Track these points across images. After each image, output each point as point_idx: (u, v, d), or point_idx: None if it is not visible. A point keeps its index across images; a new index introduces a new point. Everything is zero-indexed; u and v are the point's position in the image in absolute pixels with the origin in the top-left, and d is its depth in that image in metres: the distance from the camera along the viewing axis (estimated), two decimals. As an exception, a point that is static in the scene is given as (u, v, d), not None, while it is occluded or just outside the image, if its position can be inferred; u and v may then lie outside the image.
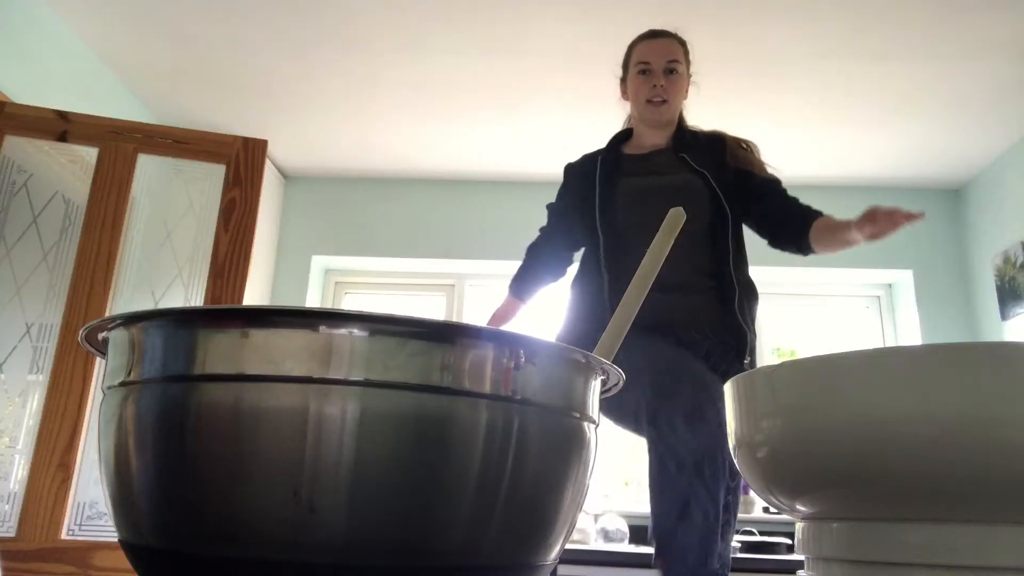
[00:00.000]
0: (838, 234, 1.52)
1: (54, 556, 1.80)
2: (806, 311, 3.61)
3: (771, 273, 3.46)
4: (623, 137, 1.82)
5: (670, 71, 1.69)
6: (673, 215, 0.65)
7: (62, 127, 2.06)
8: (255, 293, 3.38)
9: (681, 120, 1.77)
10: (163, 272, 2.12)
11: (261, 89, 2.99)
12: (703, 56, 2.68)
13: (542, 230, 1.91)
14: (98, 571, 1.81)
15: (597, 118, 3.09)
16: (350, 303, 3.81)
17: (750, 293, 1.63)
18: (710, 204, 1.60)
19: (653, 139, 1.74)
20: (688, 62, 1.76)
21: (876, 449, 0.42)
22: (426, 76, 2.86)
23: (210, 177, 2.13)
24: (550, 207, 1.88)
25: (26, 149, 2.15)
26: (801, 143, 3.22)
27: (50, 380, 1.90)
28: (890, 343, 3.56)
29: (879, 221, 1.42)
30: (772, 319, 3.54)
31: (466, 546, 0.39)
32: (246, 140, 2.17)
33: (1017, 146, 3.14)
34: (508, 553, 0.42)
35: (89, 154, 2.09)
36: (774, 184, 1.69)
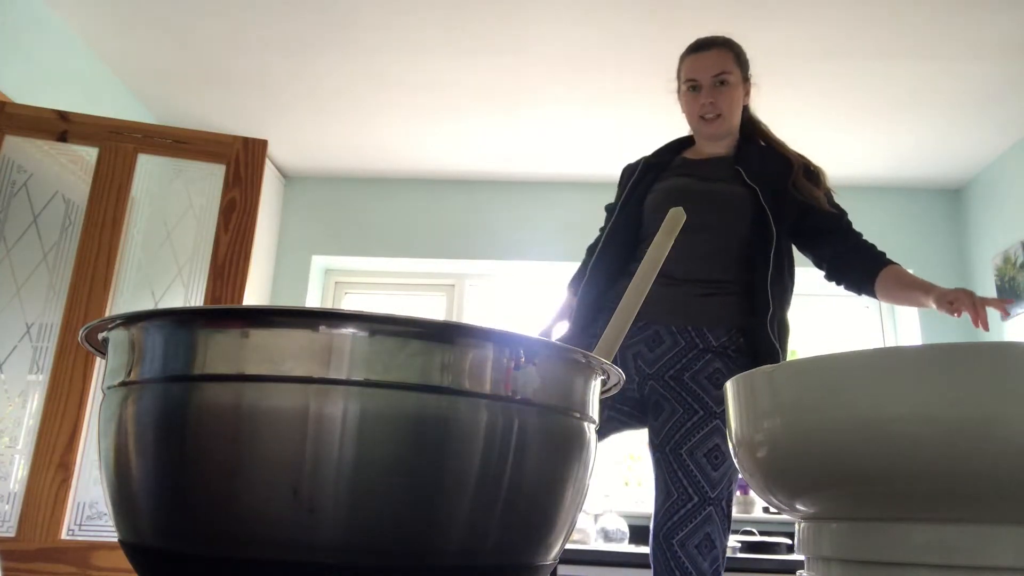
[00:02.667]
0: (912, 295, 1.51)
1: (54, 556, 1.79)
2: (806, 311, 3.61)
3: (771, 273, 3.46)
4: (686, 142, 1.79)
5: (720, 83, 1.63)
6: (673, 215, 0.64)
7: (62, 127, 2.06)
8: (255, 293, 3.38)
9: (747, 128, 1.72)
10: (163, 272, 2.12)
11: (261, 89, 2.99)
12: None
13: (600, 230, 1.89)
14: (98, 571, 1.81)
15: (598, 118, 3.10)
16: (350, 303, 3.81)
17: (782, 320, 1.57)
18: (753, 219, 1.56)
19: (713, 148, 1.70)
20: (743, 66, 1.69)
21: (876, 449, 0.42)
22: (426, 76, 2.86)
23: (210, 177, 2.13)
24: (607, 208, 1.86)
25: (26, 149, 2.15)
26: (801, 143, 3.21)
27: (50, 380, 1.90)
28: (890, 343, 3.56)
29: (958, 306, 1.42)
30: (772, 319, 3.52)
31: (466, 546, 0.39)
32: (246, 140, 2.17)
33: (1017, 146, 3.14)
34: (508, 553, 0.42)
35: (89, 154, 2.09)
36: (837, 221, 1.64)
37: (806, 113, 3.01)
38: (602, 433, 1.59)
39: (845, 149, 3.26)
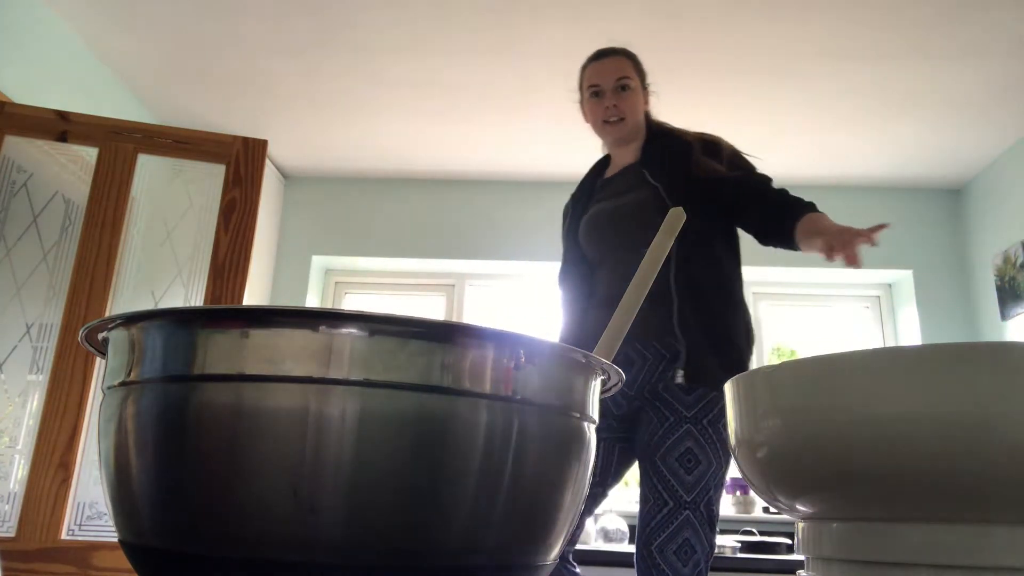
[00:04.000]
0: (813, 244, 1.48)
1: (54, 556, 1.79)
2: (806, 311, 3.61)
3: (771, 273, 3.46)
4: (605, 163, 1.85)
5: (622, 88, 1.69)
6: (673, 214, 0.65)
7: (62, 127, 2.06)
8: (255, 293, 3.38)
9: (652, 130, 1.75)
10: (163, 272, 2.11)
11: (261, 89, 2.99)
12: (702, 56, 2.69)
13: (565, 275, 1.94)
14: (98, 571, 1.81)
15: (597, 118, 3.09)
16: (350, 303, 3.81)
17: (700, 304, 1.54)
18: (660, 217, 1.59)
19: (624, 158, 1.75)
20: (641, 74, 1.75)
21: (876, 449, 0.42)
22: (426, 76, 2.86)
23: (210, 177, 2.13)
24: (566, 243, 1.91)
25: (26, 149, 2.15)
26: (801, 143, 3.23)
27: (50, 380, 1.90)
28: (890, 343, 3.56)
29: (832, 254, 1.38)
30: (772, 319, 3.54)
31: (466, 546, 0.39)
32: (246, 140, 2.17)
33: (1017, 146, 3.14)
34: (508, 553, 0.42)
35: (89, 154, 2.09)
36: (752, 185, 1.62)
37: (807, 113, 3.01)
38: (622, 468, 1.60)
39: (845, 149, 3.26)
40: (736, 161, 1.68)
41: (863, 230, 1.36)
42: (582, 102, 1.79)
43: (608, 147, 1.80)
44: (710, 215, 1.62)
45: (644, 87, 1.75)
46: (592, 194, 1.77)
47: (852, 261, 1.34)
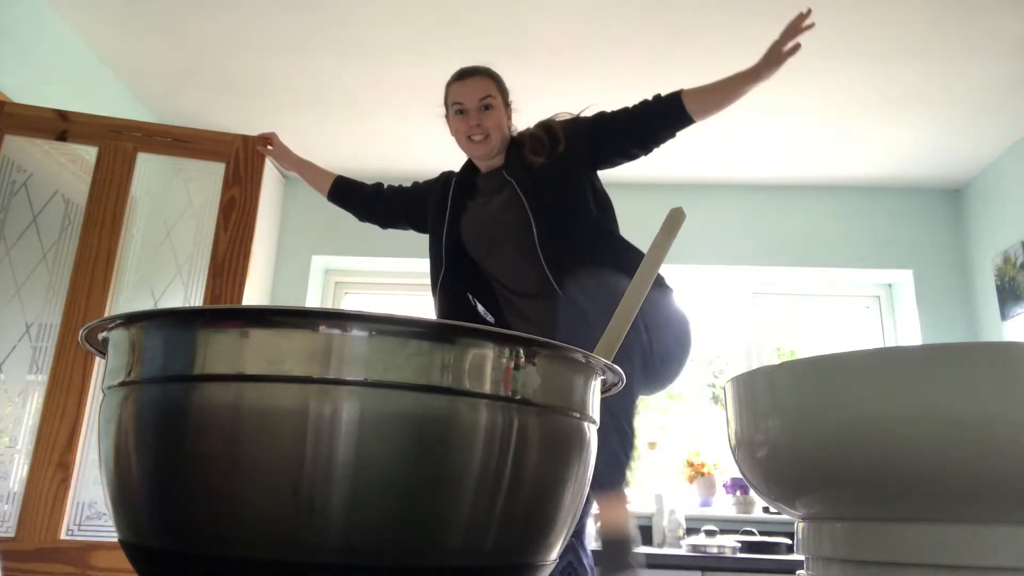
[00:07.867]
0: (731, 88, 1.56)
1: (54, 556, 1.79)
2: (806, 311, 3.61)
3: (771, 273, 3.45)
4: (471, 168, 1.90)
5: (485, 107, 1.74)
6: (672, 213, 0.64)
7: (62, 127, 2.06)
8: (255, 293, 3.38)
9: (517, 138, 1.79)
10: (163, 272, 2.12)
11: (261, 89, 2.99)
12: (703, 56, 2.69)
13: (391, 187, 2.10)
14: (98, 571, 1.81)
15: (597, 118, 3.09)
16: (350, 303, 3.81)
17: (597, 293, 1.51)
18: (522, 212, 1.63)
19: (490, 163, 1.81)
20: (503, 92, 1.80)
21: (876, 449, 0.42)
22: (426, 77, 2.86)
23: (210, 176, 2.13)
24: (413, 185, 2.05)
25: (26, 149, 2.15)
26: (801, 143, 3.22)
27: (50, 380, 1.90)
28: (890, 343, 3.56)
29: (785, 52, 1.49)
30: (772, 319, 3.54)
31: (466, 546, 0.39)
32: (246, 139, 2.17)
33: (1017, 146, 3.14)
34: (508, 553, 0.42)
35: (89, 153, 2.09)
36: (594, 128, 1.69)
37: (806, 112, 3.01)
38: None
39: (845, 149, 3.26)
40: (575, 126, 1.73)
41: (790, 25, 1.53)
42: (447, 117, 1.84)
43: (474, 159, 1.85)
44: (602, 163, 1.69)
45: (506, 104, 1.80)
46: (472, 187, 1.83)
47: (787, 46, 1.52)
